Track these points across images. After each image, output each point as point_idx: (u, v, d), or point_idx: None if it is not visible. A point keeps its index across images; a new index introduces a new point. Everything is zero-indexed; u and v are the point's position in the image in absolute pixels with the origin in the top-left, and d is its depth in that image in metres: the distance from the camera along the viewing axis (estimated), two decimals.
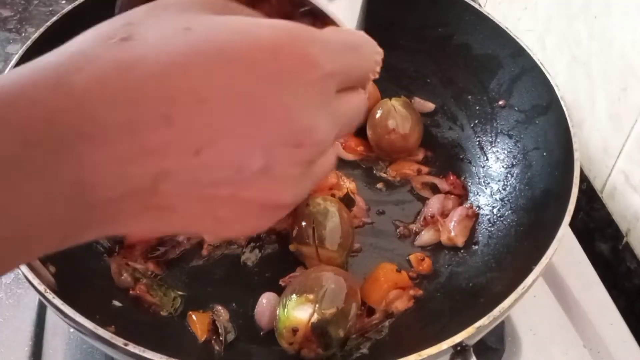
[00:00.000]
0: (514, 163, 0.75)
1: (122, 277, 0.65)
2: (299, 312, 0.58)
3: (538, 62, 0.72)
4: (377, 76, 0.36)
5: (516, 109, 0.76)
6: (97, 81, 0.25)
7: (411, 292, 0.67)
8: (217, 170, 0.27)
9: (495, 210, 0.73)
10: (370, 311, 0.66)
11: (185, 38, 0.27)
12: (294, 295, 0.60)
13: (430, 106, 0.84)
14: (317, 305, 0.58)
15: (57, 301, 0.51)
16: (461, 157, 0.80)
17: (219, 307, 0.65)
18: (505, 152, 0.76)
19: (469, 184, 0.78)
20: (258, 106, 0.27)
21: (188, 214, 0.29)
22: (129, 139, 0.25)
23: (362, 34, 0.35)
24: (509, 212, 0.71)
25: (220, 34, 0.28)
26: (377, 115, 0.80)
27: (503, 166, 0.76)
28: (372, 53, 0.35)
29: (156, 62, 0.26)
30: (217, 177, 0.28)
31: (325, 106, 0.30)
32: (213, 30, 0.28)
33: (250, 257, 0.70)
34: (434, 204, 0.76)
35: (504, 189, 0.74)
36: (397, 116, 0.79)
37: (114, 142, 0.25)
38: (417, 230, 0.74)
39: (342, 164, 0.80)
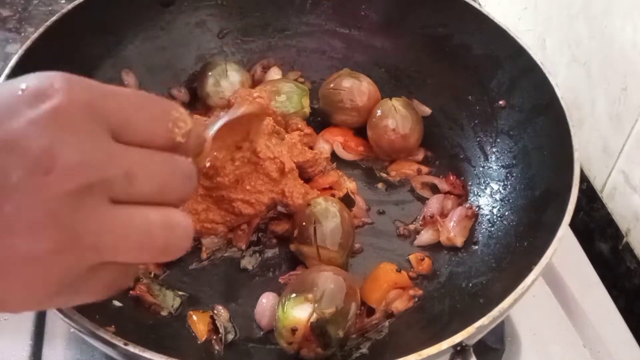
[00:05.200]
0: (514, 163, 0.74)
1: None
2: (298, 311, 0.58)
3: (538, 62, 0.72)
4: None
5: (516, 108, 0.76)
6: None
7: (411, 292, 0.67)
8: None
9: (495, 210, 0.73)
10: (370, 311, 0.66)
11: None
12: (293, 295, 0.60)
13: (427, 110, 0.83)
14: (316, 305, 0.58)
15: None
16: (461, 157, 0.80)
17: (219, 307, 0.65)
18: (505, 152, 0.76)
19: (469, 184, 0.78)
20: None
21: None
22: None
23: None
24: (509, 212, 0.71)
25: None
26: (377, 115, 0.80)
27: (503, 166, 0.76)
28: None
29: None
30: None
31: None
32: None
33: (250, 261, 0.70)
34: (434, 204, 0.76)
35: (504, 189, 0.74)
36: (397, 116, 0.79)
37: None
38: (417, 230, 0.74)
39: (342, 164, 0.80)
